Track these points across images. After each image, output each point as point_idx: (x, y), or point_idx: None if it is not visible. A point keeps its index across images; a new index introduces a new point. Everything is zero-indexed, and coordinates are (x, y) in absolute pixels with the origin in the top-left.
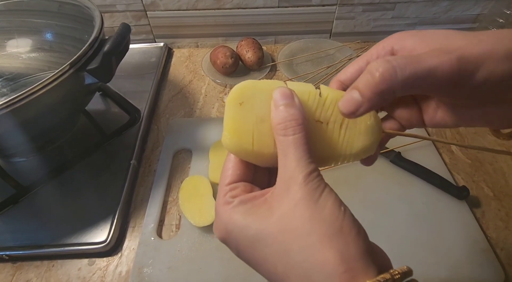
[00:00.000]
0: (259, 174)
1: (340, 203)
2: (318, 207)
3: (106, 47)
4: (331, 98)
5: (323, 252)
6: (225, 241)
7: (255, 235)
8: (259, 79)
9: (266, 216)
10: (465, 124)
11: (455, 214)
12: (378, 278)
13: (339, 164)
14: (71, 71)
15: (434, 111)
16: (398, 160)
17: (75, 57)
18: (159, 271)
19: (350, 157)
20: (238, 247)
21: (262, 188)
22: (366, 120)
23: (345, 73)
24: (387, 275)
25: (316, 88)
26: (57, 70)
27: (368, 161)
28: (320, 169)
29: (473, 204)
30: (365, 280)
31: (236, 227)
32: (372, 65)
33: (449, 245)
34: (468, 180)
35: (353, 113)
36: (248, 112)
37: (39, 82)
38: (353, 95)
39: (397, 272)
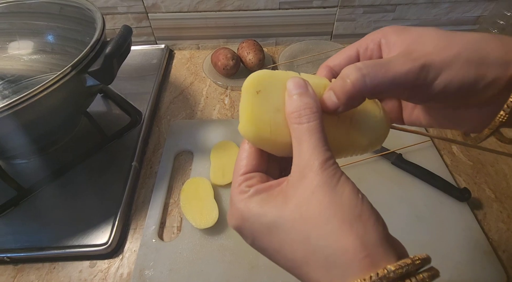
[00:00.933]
0: (271, 166)
1: (358, 190)
2: (336, 193)
3: (107, 50)
4: None
5: (343, 238)
6: (240, 229)
7: (272, 222)
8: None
9: (283, 204)
10: (438, 126)
11: (457, 216)
12: (400, 262)
13: (348, 156)
14: (72, 73)
15: (411, 110)
16: (399, 161)
17: (76, 59)
18: (160, 273)
19: (358, 150)
20: (254, 234)
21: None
22: (376, 114)
23: (334, 60)
24: (408, 260)
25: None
26: (59, 72)
27: None
28: None
29: (475, 206)
30: (385, 265)
31: (253, 215)
32: (345, 71)
33: (451, 247)
34: (469, 181)
35: (334, 111)
36: (265, 101)
37: (41, 84)
38: (331, 97)
39: (417, 258)
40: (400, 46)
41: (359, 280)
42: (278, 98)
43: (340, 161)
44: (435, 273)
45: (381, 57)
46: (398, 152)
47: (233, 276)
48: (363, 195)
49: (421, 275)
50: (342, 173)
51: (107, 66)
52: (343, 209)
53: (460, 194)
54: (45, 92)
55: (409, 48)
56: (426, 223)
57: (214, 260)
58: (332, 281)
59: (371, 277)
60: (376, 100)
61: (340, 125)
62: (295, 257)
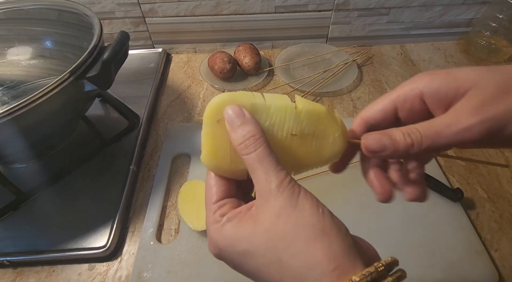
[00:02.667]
0: (244, 183)
1: (318, 204)
2: (298, 212)
3: (105, 55)
4: (306, 110)
5: (311, 255)
6: (219, 257)
7: (246, 250)
8: (250, 86)
9: (253, 230)
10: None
11: (450, 216)
12: (364, 272)
13: (309, 170)
14: (71, 79)
15: None
16: None
17: (74, 65)
18: (158, 275)
19: (319, 164)
20: (233, 262)
21: (249, 195)
22: (334, 132)
23: (369, 111)
24: (371, 269)
25: (292, 101)
26: (57, 78)
27: (336, 169)
28: (296, 177)
29: (468, 206)
30: (351, 276)
31: (228, 244)
32: (404, 131)
33: (444, 246)
34: (462, 182)
35: (374, 153)
36: (225, 129)
37: (40, 90)
38: (384, 142)
39: (381, 264)
40: (450, 90)
41: None
42: None
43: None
44: (401, 275)
45: (426, 109)
46: None
47: (230, 278)
48: (323, 208)
49: (387, 280)
50: (300, 188)
51: (105, 72)
52: (307, 226)
53: (453, 194)
54: (44, 98)
55: (460, 90)
56: (420, 223)
57: (212, 262)
58: None
59: None
60: (336, 116)
61: (304, 144)
62: (273, 279)
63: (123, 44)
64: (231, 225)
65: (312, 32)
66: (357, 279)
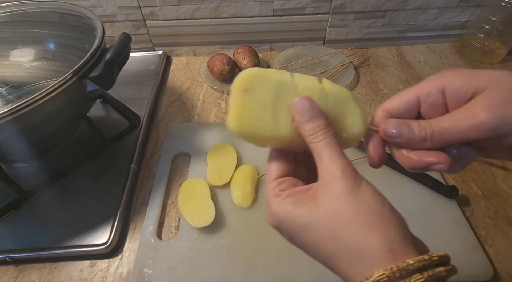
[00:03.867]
0: (298, 168)
1: (379, 194)
2: (358, 199)
3: (107, 56)
4: (332, 92)
5: (367, 237)
6: (277, 228)
7: (305, 223)
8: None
9: (313, 208)
10: (494, 157)
11: (446, 213)
12: (418, 258)
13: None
14: (74, 79)
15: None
16: (389, 160)
17: (78, 65)
18: (159, 272)
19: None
20: (290, 233)
21: (303, 181)
22: (356, 116)
23: (392, 103)
24: (425, 256)
25: (319, 82)
26: (60, 78)
27: (375, 163)
28: None
29: (463, 203)
30: (405, 259)
31: (287, 216)
32: (421, 124)
33: (440, 243)
34: (457, 179)
35: (390, 137)
36: (252, 99)
37: (44, 90)
38: (402, 129)
39: (435, 255)
40: (466, 94)
41: (381, 271)
42: (265, 97)
43: None
44: (452, 269)
45: (445, 104)
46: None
47: (230, 273)
48: (384, 198)
49: (438, 269)
50: (362, 178)
51: (107, 72)
52: (366, 213)
53: (448, 192)
54: (48, 97)
55: (485, 99)
56: (416, 220)
57: (212, 258)
58: (358, 271)
59: (391, 268)
60: (359, 102)
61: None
62: (326, 252)
63: (125, 45)
64: (291, 201)
65: (309, 35)
66: (411, 262)
